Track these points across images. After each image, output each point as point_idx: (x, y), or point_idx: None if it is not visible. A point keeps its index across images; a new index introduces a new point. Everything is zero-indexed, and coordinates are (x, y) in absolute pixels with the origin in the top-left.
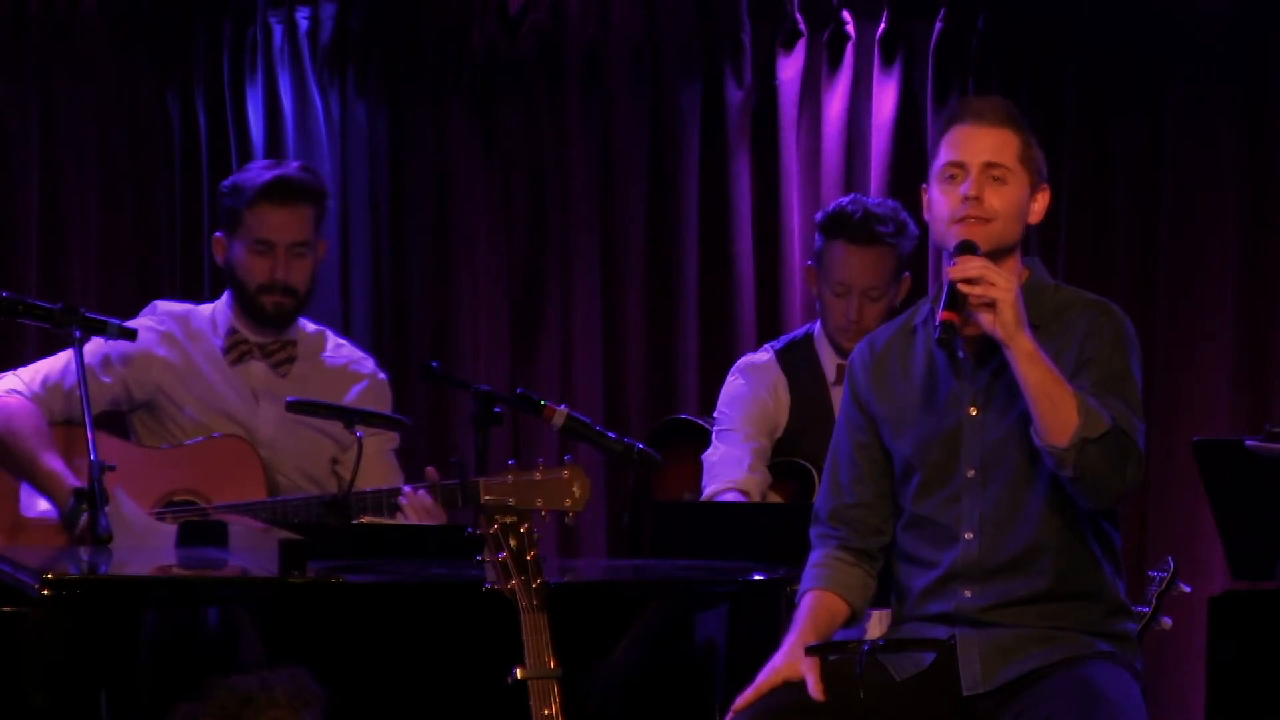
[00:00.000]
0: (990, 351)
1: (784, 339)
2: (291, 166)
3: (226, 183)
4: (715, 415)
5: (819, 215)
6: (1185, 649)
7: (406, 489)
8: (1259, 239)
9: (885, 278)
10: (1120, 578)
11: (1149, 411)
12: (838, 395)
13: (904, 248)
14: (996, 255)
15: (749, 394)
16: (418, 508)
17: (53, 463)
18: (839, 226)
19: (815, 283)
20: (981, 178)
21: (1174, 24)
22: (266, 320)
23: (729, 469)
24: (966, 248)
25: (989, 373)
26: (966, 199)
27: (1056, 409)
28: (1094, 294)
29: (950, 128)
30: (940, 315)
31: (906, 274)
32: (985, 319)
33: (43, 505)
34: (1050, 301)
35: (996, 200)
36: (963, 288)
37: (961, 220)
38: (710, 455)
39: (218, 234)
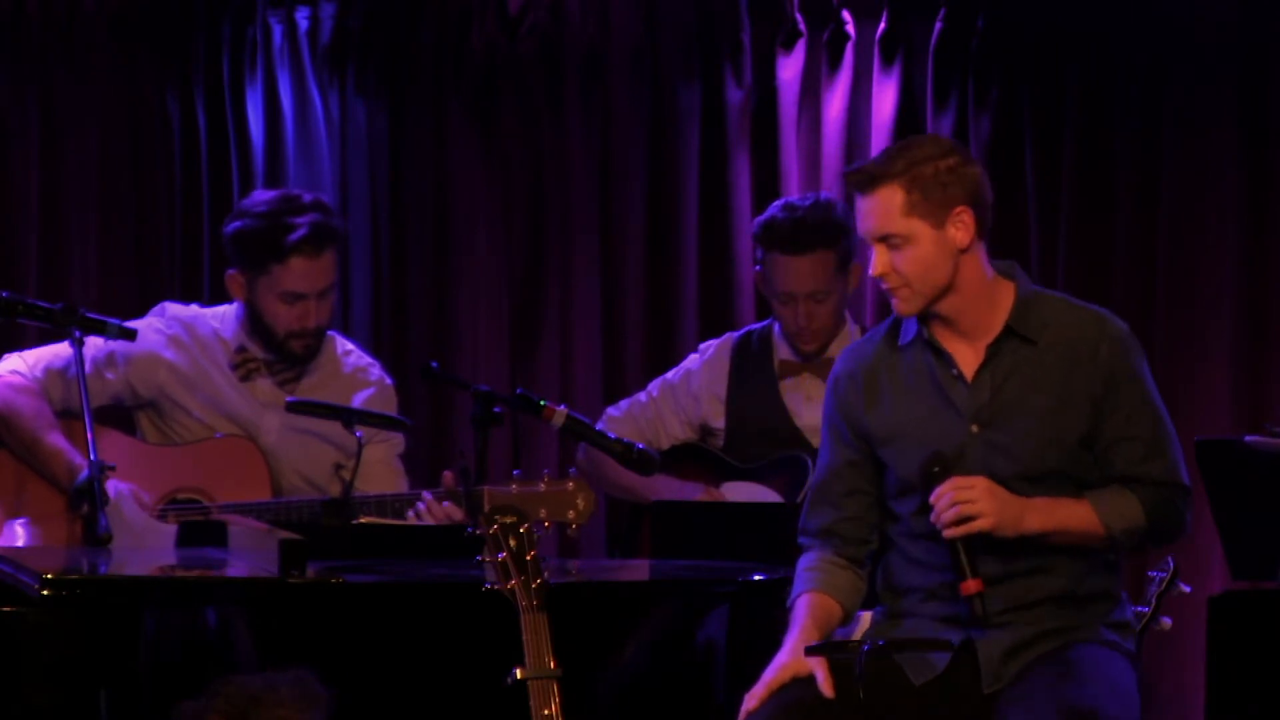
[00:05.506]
0: (986, 366)
1: (750, 328)
2: (309, 206)
3: (244, 225)
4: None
5: (753, 224)
6: (1185, 649)
7: (426, 496)
8: (1259, 240)
9: (828, 279)
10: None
11: None
12: (786, 389)
13: (843, 244)
14: (938, 300)
15: (684, 382)
16: (439, 516)
17: (56, 441)
18: (772, 238)
19: (765, 288)
20: (882, 251)
21: (1173, 24)
22: (295, 360)
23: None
24: (933, 476)
25: (988, 388)
26: (878, 279)
27: (1089, 537)
28: (1084, 302)
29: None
30: (963, 588)
31: (856, 262)
32: (983, 527)
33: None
34: (1046, 312)
35: (903, 264)
36: (950, 532)
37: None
38: (633, 408)
39: (232, 271)
